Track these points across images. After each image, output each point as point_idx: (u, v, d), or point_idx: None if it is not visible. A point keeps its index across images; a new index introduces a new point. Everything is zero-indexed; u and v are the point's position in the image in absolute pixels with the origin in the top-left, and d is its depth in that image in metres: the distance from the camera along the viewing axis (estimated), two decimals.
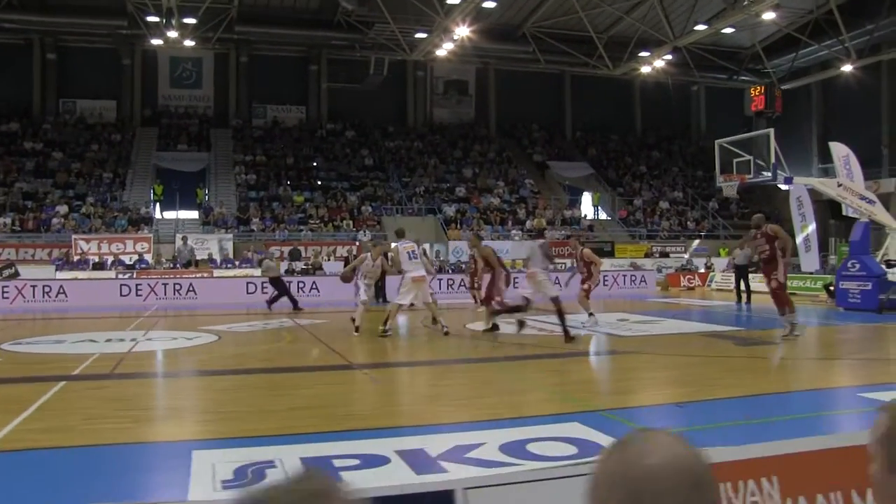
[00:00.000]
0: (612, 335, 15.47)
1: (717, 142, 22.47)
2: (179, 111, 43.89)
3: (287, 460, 6.19)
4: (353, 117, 45.27)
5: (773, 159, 19.85)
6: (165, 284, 27.72)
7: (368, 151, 43.32)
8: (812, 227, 29.30)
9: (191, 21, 34.62)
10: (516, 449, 6.39)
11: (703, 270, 35.04)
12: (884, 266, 20.91)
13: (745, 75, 46.11)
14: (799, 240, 25.50)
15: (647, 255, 37.77)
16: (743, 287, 24.33)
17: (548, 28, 41.01)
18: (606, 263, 35.48)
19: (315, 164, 41.60)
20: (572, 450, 6.43)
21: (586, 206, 44.32)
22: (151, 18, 33.76)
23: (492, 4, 32.59)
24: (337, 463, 6.16)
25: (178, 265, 30.42)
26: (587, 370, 11.35)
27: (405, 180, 40.95)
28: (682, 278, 33.43)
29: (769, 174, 20.18)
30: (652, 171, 46.69)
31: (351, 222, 36.29)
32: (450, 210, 38.25)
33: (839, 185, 21.62)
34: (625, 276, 33.05)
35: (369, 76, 42.29)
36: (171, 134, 41.66)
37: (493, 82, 47.70)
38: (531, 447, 6.49)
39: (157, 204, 37.33)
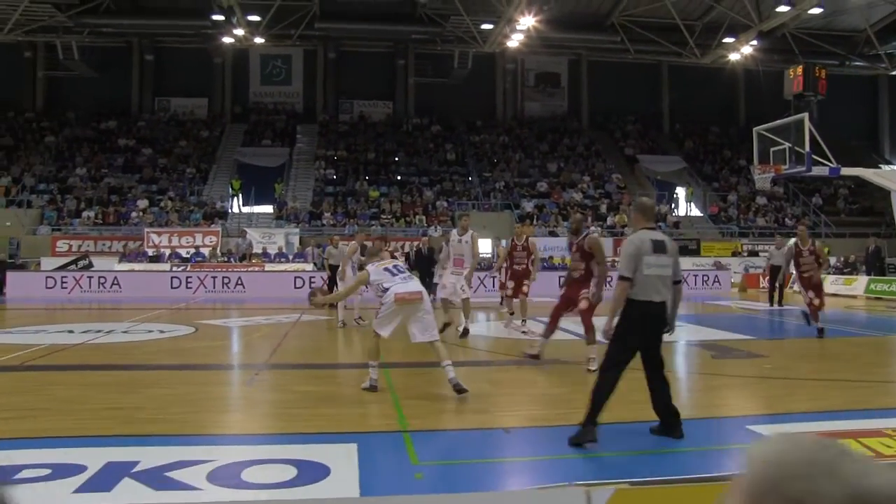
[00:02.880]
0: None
1: (755, 129, 20.74)
2: (269, 108, 44.60)
3: None
4: (441, 112, 44.92)
5: (807, 147, 18.09)
6: (215, 278, 28.01)
7: (452, 146, 42.80)
8: None
9: (255, 18, 34.94)
10: (226, 474, 5.71)
11: (792, 271, 32.62)
12: None
13: (858, 61, 43.19)
14: None
15: (734, 254, 35.71)
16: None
17: (637, 17, 39.50)
18: (687, 262, 34.01)
19: (396, 158, 41.35)
20: (290, 474, 5.73)
21: (681, 202, 42.42)
22: (217, 17, 34.15)
23: None
24: (25, 473, 5.69)
25: (231, 259, 30.69)
26: (483, 381, 10.34)
27: (486, 175, 40.22)
28: (761, 279, 31.24)
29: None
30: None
31: (423, 217, 35.81)
32: (528, 205, 37.21)
33: None
34: (696, 276, 31.16)
35: (454, 70, 41.79)
36: (258, 130, 42.39)
37: (585, 74, 46.34)
38: (248, 471, 5.80)
39: (235, 198, 37.82)
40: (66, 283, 27.57)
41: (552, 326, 10.89)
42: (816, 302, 14.05)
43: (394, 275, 8.99)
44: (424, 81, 44.86)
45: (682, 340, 14.58)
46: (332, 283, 22.30)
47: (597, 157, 43.44)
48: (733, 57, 38.61)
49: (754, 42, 36.62)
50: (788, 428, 7.03)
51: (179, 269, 29.25)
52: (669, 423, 6.74)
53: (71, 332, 15.49)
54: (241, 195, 38.07)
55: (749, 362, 12.01)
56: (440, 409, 8.32)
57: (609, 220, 36.86)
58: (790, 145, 18.85)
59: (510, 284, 14.73)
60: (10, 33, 36.43)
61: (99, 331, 15.51)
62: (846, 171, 20.15)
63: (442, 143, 43.11)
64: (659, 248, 6.66)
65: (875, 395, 9.07)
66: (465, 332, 14.04)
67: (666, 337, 6.86)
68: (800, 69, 20.97)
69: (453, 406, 8.41)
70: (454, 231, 14.69)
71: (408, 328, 8.96)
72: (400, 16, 39.52)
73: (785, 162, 19.23)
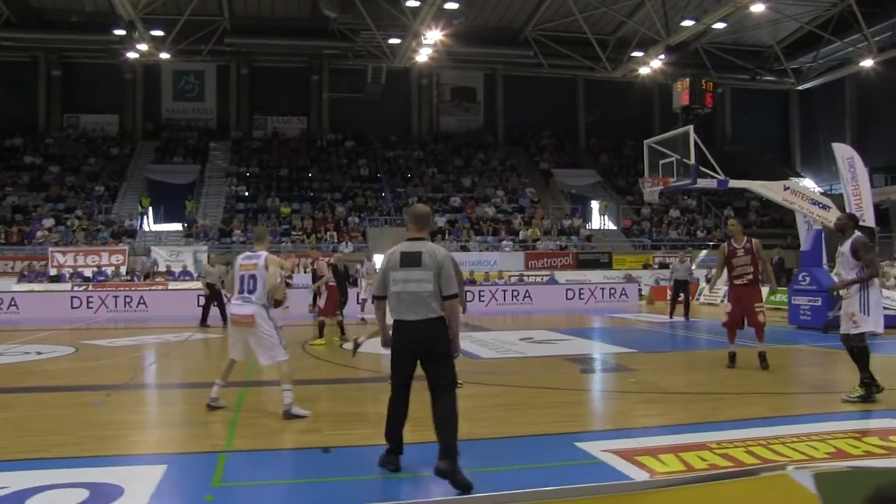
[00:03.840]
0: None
1: (645, 142, 20.84)
2: (182, 124, 43.94)
3: None
4: (356, 127, 44.77)
5: (692, 159, 18.22)
6: (116, 297, 27.35)
7: (366, 161, 42.62)
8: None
9: (159, 33, 34.39)
10: (11, 501, 5.51)
11: (704, 283, 32.96)
12: (835, 279, 18.92)
13: (767, 75, 44.22)
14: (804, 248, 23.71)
15: (645, 267, 36.08)
16: (681, 300, 23.06)
17: (549, 31, 39.91)
18: (598, 275, 34.28)
19: (310, 174, 40.99)
20: (80, 497, 5.61)
21: (595, 215, 42.75)
22: (119, 31, 33.46)
23: (454, 5, 31.35)
24: None
25: (134, 278, 30.06)
26: (339, 399, 10.17)
27: (399, 190, 40.07)
28: (668, 291, 31.50)
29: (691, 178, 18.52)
30: None
31: (335, 234, 35.49)
32: (440, 221, 37.13)
33: (785, 189, 19.86)
34: (604, 289, 31.37)
35: (368, 85, 41.65)
36: (169, 147, 41.71)
37: (501, 89, 46.60)
38: (37, 497, 5.61)
39: (145, 217, 37.05)
40: None
41: None
42: (725, 318, 12.17)
43: (240, 291, 8.73)
44: (339, 97, 44.67)
45: (560, 354, 14.51)
46: (209, 302, 21.79)
47: (511, 171, 43.67)
48: (643, 71, 39.17)
49: (662, 56, 37.13)
50: (611, 444, 7.00)
51: (81, 289, 28.49)
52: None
53: None
54: (150, 213, 37.39)
55: (615, 376, 12.03)
56: (275, 429, 8.15)
57: (521, 235, 36.98)
58: (678, 157, 18.90)
59: None
60: None
61: None
62: (734, 183, 20.27)
63: (356, 158, 42.93)
64: (409, 261, 6.06)
65: (719, 408, 8.99)
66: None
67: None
68: (687, 82, 21.09)
69: (290, 426, 8.27)
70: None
71: None
72: (311, 31, 39.25)
73: (673, 174, 19.29)
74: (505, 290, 30.62)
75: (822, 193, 41.59)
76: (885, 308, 19.01)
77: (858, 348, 9.15)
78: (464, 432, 7.39)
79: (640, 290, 32.66)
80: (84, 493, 5.65)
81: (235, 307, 8.74)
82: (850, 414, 8.50)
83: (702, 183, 19.49)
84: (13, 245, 33.42)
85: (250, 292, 8.65)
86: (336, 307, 17.24)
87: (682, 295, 22.95)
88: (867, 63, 37.49)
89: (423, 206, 6.68)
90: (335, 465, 6.78)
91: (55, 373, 12.91)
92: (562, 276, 34.12)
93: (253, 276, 8.67)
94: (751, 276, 11.82)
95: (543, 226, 38.21)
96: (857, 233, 9.40)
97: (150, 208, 37.49)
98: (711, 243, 38.17)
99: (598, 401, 9.84)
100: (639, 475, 6.03)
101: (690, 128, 18.51)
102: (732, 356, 12.04)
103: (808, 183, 46.83)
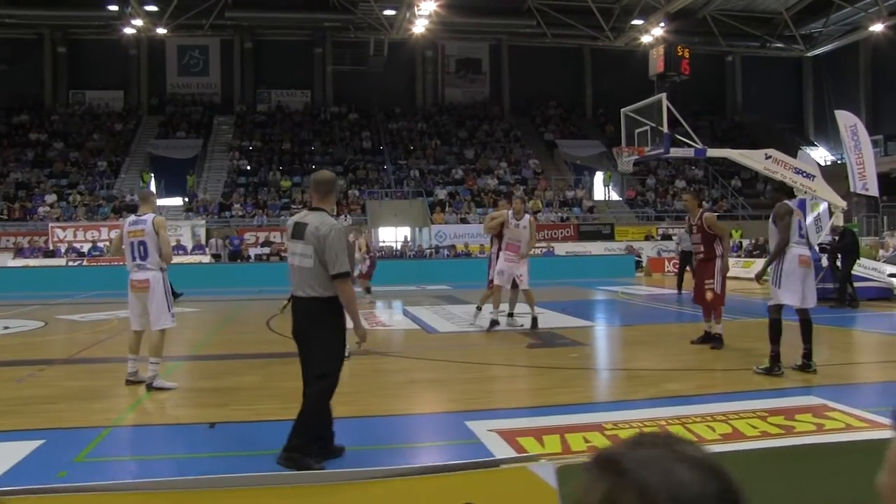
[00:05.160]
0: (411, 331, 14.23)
1: (622, 110, 20.37)
2: (187, 99, 44.00)
3: None
4: (361, 100, 44.54)
5: (665, 128, 17.85)
6: (109, 271, 27.35)
7: (369, 134, 42.46)
8: (824, 205, 26.99)
9: (153, 8, 34.34)
10: None
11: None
12: (817, 250, 18.56)
13: (778, 42, 43.54)
14: (809, 220, 23.26)
15: (647, 238, 35.73)
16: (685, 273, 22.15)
17: (552, 0, 39.43)
18: (599, 247, 34.06)
19: (312, 148, 40.92)
20: None
21: (598, 186, 42.39)
22: (112, 7, 33.50)
23: None
24: None
25: None
26: (258, 374, 10.05)
27: (400, 163, 39.89)
28: (666, 263, 31.24)
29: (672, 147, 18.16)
30: None
31: (335, 207, 35.36)
32: (441, 193, 36.97)
33: (767, 157, 19.32)
34: (600, 260, 31.08)
35: (370, 57, 41.47)
36: (173, 122, 41.76)
37: (507, 60, 46.16)
38: None
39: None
40: None
41: None
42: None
43: (132, 258, 8.67)
44: (343, 70, 44.52)
45: (519, 328, 14.22)
46: None
47: (515, 142, 43.33)
48: (645, 39, 38.61)
49: (663, 24, 36.61)
50: (501, 423, 6.79)
51: (75, 264, 28.67)
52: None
53: None
54: (152, 188, 37.46)
55: (560, 351, 11.68)
56: (179, 404, 8.12)
57: None
58: (653, 126, 18.50)
59: None
60: None
61: None
62: (712, 152, 19.90)
63: (359, 131, 42.78)
64: (296, 232, 5.69)
65: (640, 385, 8.72)
66: (535, 321, 13.66)
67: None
68: (661, 49, 20.65)
69: (195, 400, 8.24)
70: (509, 213, 13.30)
71: None
72: (312, 3, 39.22)
73: (648, 144, 18.88)
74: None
75: (834, 162, 41.41)
76: (869, 280, 18.87)
77: (771, 320, 9.00)
78: (364, 408, 7.33)
79: (637, 261, 32.30)
80: None
81: (133, 274, 8.69)
82: (771, 392, 8.10)
83: (677, 152, 19.11)
84: (15, 221, 33.74)
85: (143, 258, 8.60)
86: None
87: (687, 267, 22.00)
88: (877, 28, 36.84)
89: (327, 172, 6.22)
90: (213, 440, 6.66)
91: (5, 347, 12.97)
92: (562, 247, 33.85)
93: (143, 243, 8.59)
94: (702, 254, 11.26)
95: (546, 197, 37.91)
96: (786, 201, 9.21)
97: (153, 183, 37.54)
98: (716, 214, 37.58)
99: (514, 377, 9.57)
100: (509, 455, 5.87)
101: (663, 95, 18.15)
102: (706, 334, 11.44)
103: (821, 152, 46.20)
